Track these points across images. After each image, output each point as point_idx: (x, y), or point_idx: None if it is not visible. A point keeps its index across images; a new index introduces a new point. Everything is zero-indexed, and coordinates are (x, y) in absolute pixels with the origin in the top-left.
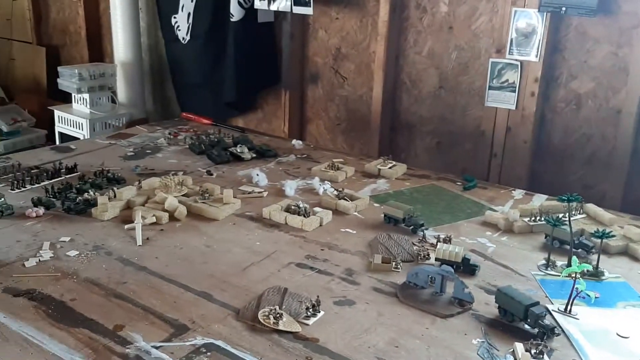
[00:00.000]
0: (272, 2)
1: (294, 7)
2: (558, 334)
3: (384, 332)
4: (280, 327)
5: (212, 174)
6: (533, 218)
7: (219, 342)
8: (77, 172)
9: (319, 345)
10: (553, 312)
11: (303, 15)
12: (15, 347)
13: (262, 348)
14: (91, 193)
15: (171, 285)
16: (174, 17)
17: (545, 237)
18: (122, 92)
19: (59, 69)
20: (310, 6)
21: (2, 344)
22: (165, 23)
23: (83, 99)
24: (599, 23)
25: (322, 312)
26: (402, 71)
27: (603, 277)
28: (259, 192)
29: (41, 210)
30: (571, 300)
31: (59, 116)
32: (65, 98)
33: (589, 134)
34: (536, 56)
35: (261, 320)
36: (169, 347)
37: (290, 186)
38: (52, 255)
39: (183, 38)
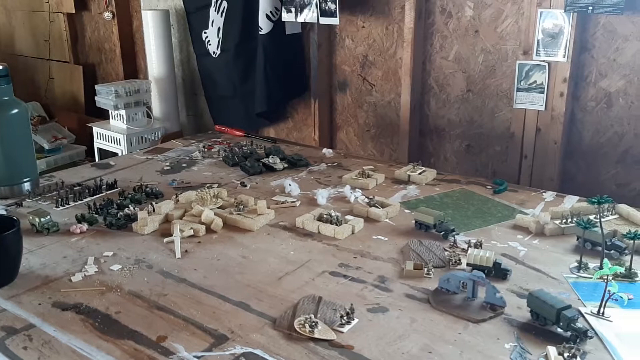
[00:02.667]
0: (299, 14)
1: (320, 19)
2: (591, 337)
3: (418, 338)
4: (316, 335)
5: (245, 185)
6: (564, 220)
7: (258, 351)
8: (117, 187)
9: (354, 352)
10: (586, 315)
11: (330, 25)
12: (65, 359)
13: (299, 356)
14: (131, 208)
15: (210, 296)
16: (205, 32)
17: (577, 240)
18: (156, 107)
19: (97, 87)
20: (336, 16)
21: (53, 356)
22: (196, 38)
23: (120, 115)
24: (627, 20)
25: (356, 320)
26: (429, 76)
27: (636, 279)
28: (291, 202)
29: (85, 227)
30: (603, 302)
31: (97, 132)
32: (102, 114)
33: (620, 132)
34: (564, 56)
35: (297, 329)
36: (210, 357)
37: (322, 195)
38: (97, 269)
39: (214, 52)
